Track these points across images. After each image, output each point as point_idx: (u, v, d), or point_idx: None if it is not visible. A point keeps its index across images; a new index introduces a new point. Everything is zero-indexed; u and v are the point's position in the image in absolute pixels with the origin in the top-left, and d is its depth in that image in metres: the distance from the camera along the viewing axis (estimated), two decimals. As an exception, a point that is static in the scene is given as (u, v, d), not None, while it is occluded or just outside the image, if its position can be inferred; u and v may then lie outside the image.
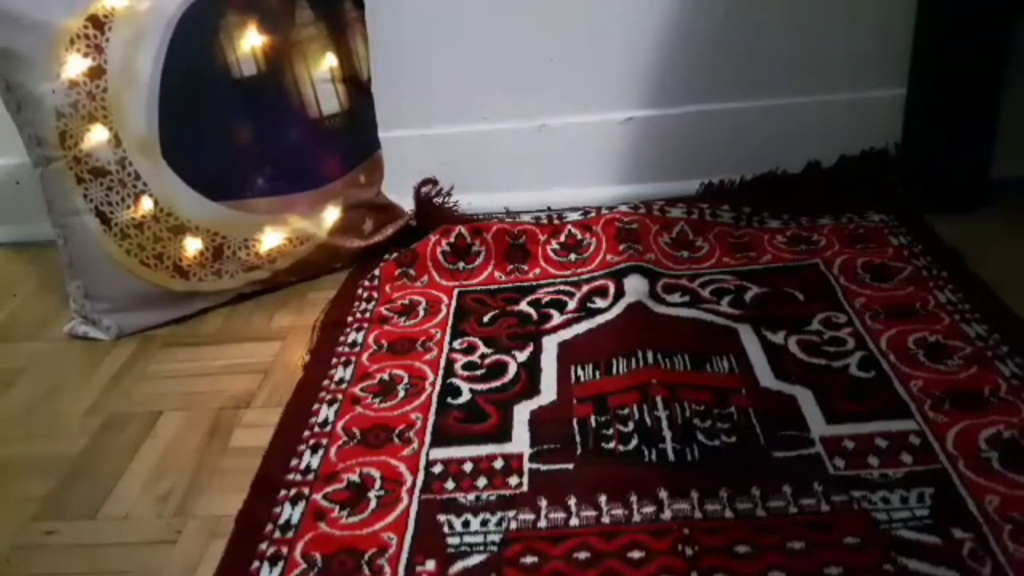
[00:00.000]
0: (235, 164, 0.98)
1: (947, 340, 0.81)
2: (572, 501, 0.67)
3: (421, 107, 1.15)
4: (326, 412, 0.81)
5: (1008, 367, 0.76)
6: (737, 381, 0.79)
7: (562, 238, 1.05)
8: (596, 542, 0.63)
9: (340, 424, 0.79)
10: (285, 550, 0.66)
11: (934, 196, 1.05)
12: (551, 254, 1.03)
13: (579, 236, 1.05)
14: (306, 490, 0.72)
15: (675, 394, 0.77)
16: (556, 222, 1.07)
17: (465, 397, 0.81)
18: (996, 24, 0.99)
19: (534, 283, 0.99)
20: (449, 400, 0.81)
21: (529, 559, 0.62)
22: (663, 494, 0.66)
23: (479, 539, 0.65)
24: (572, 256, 1.03)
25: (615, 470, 0.70)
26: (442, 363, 0.86)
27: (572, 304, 0.94)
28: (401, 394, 0.82)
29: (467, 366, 0.85)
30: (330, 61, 1.00)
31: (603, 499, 0.67)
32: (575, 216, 1.08)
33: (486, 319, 0.93)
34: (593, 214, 1.07)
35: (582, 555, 0.62)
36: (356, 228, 1.07)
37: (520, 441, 0.74)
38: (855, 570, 0.59)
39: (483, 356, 0.87)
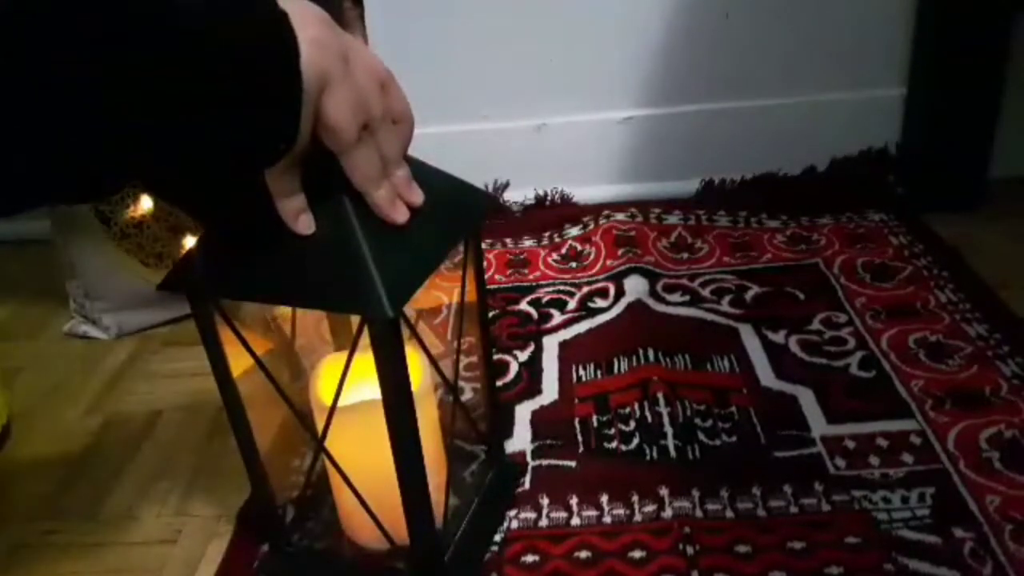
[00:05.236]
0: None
1: (948, 340, 0.81)
2: (573, 500, 0.67)
3: (420, 105, 1.13)
4: (326, 411, 0.81)
5: (1009, 367, 0.76)
6: (738, 380, 0.79)
7: (563, 251, 1.05)
8: (597, 541, 0.63)
9: (340, 423, 0.79)
10: (286, 550, 0.66)
11: (934, 196, 1.06)
12: (551, 263, 1.03)
13: (579, 248, 1.05)
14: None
15: (676, 392, 0.77)
16: (556, 239, 1.08)
17: (467, 396, 0.81)
18: (996, 23, 0.99)
19: (534, 284, 1.00)
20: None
21: (530, 558, 0.62)
22: (664, 492, 0.66)
23: (480, 538, 0.65)
24: (572, 264, 1.03)
25: (617, 469, 0.70)
26: (442, 364, 0.86)
27: (572, 303, 0.94)
28: (401, 393, 0.82)
29: (468, 367, 0.85)
30: (330, 60, 1.00)
31: (604, 498, 0.67)
32: (575, 231, 1.08)
33: (486, 318, 0.93)
34: (592, 226, 1.08)
35: (583, 554, 0.62)
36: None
37: (522, 440, 0.74)
38: (855, 570, 0.58)
39: (483, 356, 0.87)
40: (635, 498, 0.66)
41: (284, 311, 0.65)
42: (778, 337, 0.84)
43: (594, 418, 0.76)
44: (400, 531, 0.55)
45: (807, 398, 0.75)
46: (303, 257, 0.47)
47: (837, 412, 0.73)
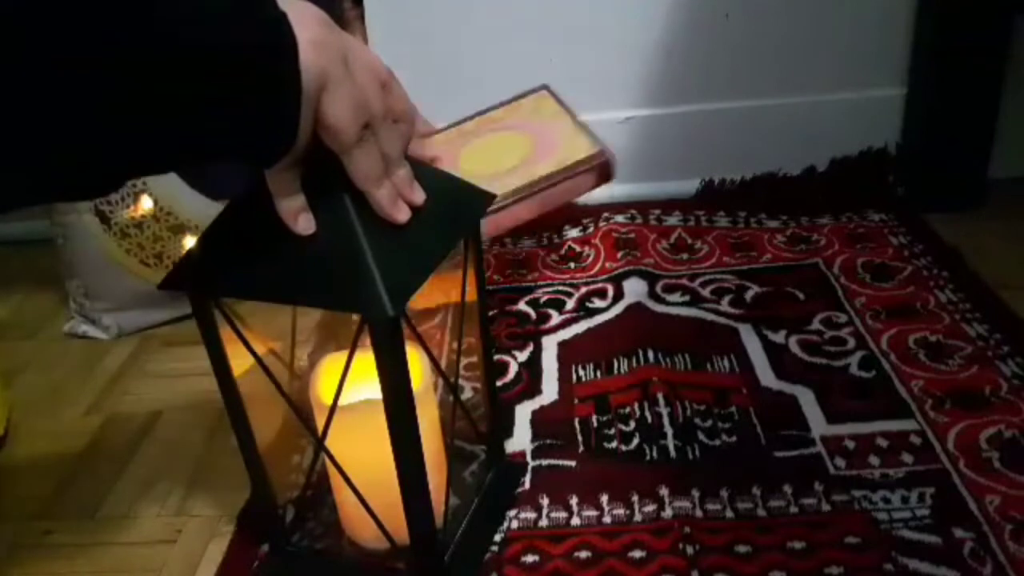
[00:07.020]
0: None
1: (948, 340, 0.81)
2: (573, 500, 0.67)
3: (420, 106, 1.14)
4: (326, 411, 0.81)
5: (1009, 367, 0.76)
6: (738, 380, 0.79)
7: (562, 252, 1.05)
8: (597, 541, 0.63)
9: (340, 423, 0.79)
10: (286, 550, 0.66)
11: (934, 196, 1.06)
12: (550, 263, 1.03)
13: (578, 249, 1.05)
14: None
15: (676, 393, 0.77)
16: (556, 240, 1.08)
17: (467, 396, 0.81)
18: (996, 23, 0.99)
19: (532, 284, 0.99)
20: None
21: (530, 558, 0.62)
22: (664, 492, 0.66)
23: (480, 538, 0.65)
24: (571, 264, 1.03)
25: (617, 469, 0.70)
26: (443, 364, 0.86)
27: (570, 304, 0.94)
28: (401, 393, 0.82)
29: (468, 367, 0.85)
30: (330, 60, 1.00)
31: (604, 498, 0.67)
32: (575, 232, 1.08)
33: (486, 319, 0.93)
34: (592, 228, 1.08)
35: (583, 554, 0.62)
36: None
37: (522, 440, 0.74)
38: (855, 570, 0.58)
39: (483, 356, 0.87)
40: (635, 498, 0.66)
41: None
42: (778, 337, 0.84)
43: (594, 418, 0.76)
44: (400, 531, 0.55)
45: (807, 398, 0.75)
46: (304, 256, 0.48)
47: (837, 412, 0.73)
